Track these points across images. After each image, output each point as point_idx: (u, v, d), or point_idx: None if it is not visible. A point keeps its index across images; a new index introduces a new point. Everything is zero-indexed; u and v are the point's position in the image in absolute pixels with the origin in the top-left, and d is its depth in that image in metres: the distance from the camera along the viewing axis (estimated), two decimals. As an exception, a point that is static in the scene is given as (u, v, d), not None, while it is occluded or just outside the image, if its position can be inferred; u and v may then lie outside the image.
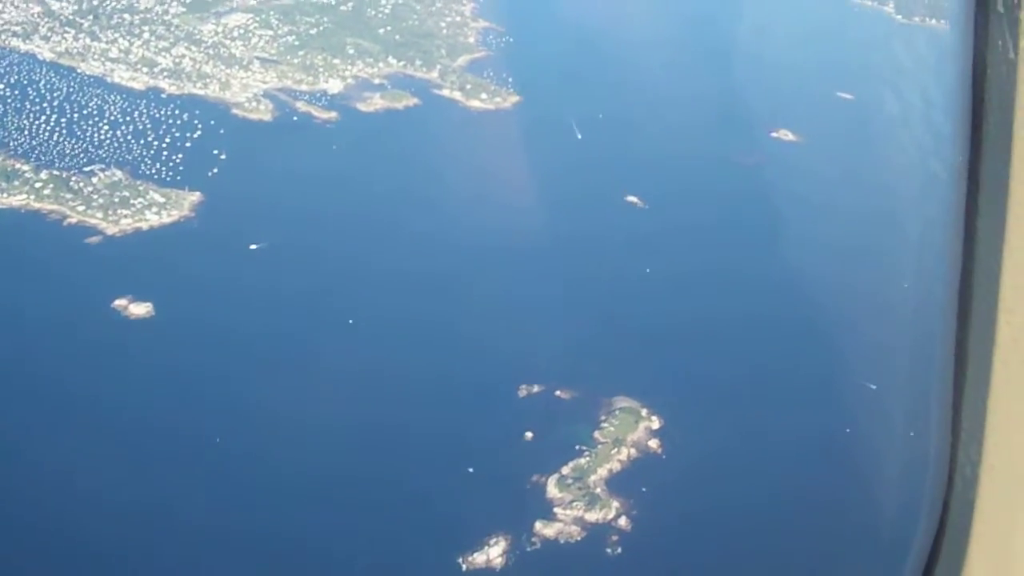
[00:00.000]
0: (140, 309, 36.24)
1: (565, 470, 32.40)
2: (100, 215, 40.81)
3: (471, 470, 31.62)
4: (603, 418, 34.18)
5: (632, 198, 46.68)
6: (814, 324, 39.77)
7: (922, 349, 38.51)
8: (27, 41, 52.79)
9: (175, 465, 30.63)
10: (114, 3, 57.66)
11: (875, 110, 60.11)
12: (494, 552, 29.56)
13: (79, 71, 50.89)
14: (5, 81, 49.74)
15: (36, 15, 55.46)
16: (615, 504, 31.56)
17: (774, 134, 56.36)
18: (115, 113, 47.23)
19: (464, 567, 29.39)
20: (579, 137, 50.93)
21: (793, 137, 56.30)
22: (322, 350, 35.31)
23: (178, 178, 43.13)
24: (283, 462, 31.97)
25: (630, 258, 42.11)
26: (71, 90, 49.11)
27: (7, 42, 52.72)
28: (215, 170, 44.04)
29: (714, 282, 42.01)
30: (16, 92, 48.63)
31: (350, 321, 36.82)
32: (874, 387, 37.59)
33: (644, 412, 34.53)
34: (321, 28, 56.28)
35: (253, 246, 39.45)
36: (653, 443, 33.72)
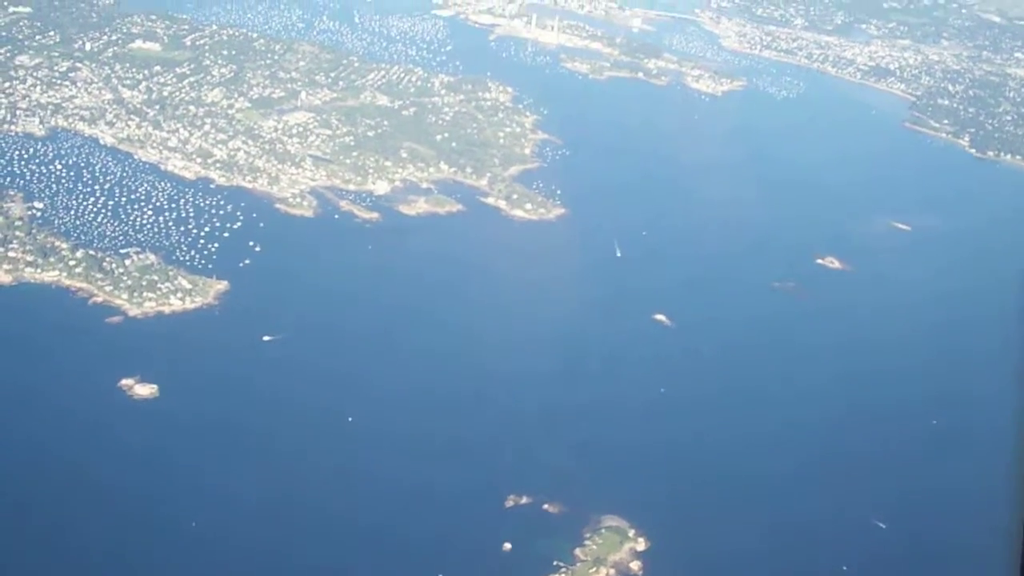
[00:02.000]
0: (145, 390, 36.75)
1: (536, 586, 31.83)
2: (125, 296, 41.70)
3: (440, 576, 31.25)
4: (588, 535, 33.59)
5: (660, 316, 46.41)
6: (827, 454, 38.91)
7: (934, 498, 37.40)
8: (92, 125, 54.74)
9: (134, 546, 30.76)
10: (183, 95, 59.64)
11: (930, 242, 59.37)
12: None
13: (136, 157, 52.56)
14: (64, 162, 51.50)
15: (106, 102, 57.51)
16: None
17: (820, 261, 55.79)
18: (162, 199, 48.52)
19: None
20: (619, 255, 50.92)
21: (839, 265, 55.66)
22: (313, 447, 35.39)
23: (209, 266, 44.01)
24: (258, 551, 31.89)
25: (647, 376, 41.74)
26: (124, 174, 50.67)
27: (74, 125, 54.72)
28: (247, 261, 44.86)
29: (728, 404, 41.44)
30: (71, 173, 50.32)
31: (349, 419, 36.89)
32: (883, 526, 36.43)
33: (632, 532, 33.89)
34: (379, 131, 57.48)
35: (267, 337, 39.92)
36: (635, 565, 32.98)
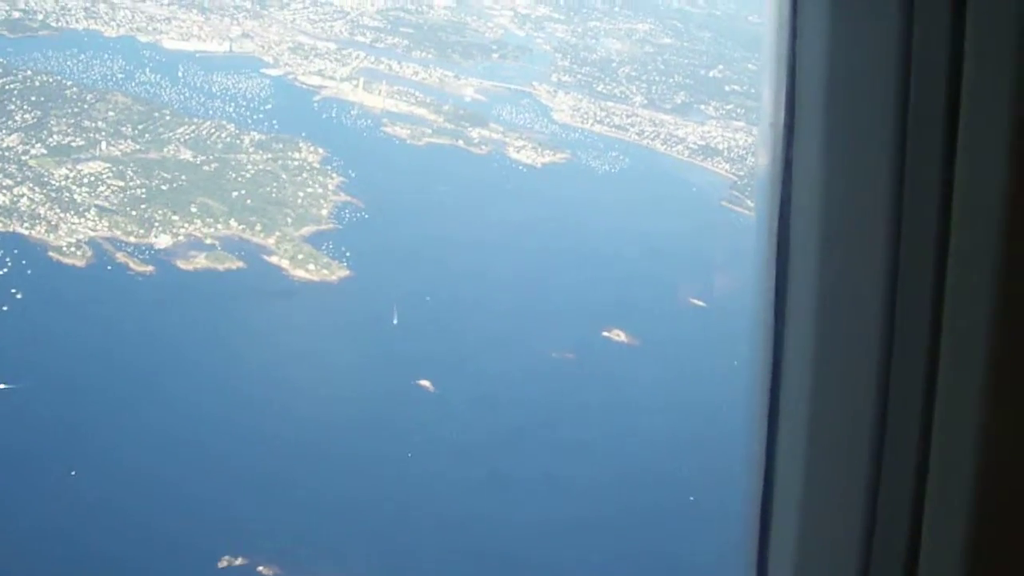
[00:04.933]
0: None
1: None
2: None
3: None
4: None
5: (424, 382, 46.63)
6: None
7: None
8: None
9: None
10: (-23, 140, 59.20)
11: (725, 317, 60.41)
12: None
13: (-88, 200, 51.85)
14: None
15: None
16: None
17: (606, 333, 56.49)
18: (-73, 244, 47.89)
19: None
20: (395, 322, 51.08)
21: (625, 338, 56.41)
22: (19, 500, 34.91)
23: (-37, 311, 43.45)
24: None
25: (393, 439, 41.82)
26: None
27: None
28: (4, 308, 44.29)
29: (476, 474, 41.62)
30: None
31: (72, 473, 36.52)
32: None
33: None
34: (175, 185, 57.19)
35: (1, 385, 39.46)
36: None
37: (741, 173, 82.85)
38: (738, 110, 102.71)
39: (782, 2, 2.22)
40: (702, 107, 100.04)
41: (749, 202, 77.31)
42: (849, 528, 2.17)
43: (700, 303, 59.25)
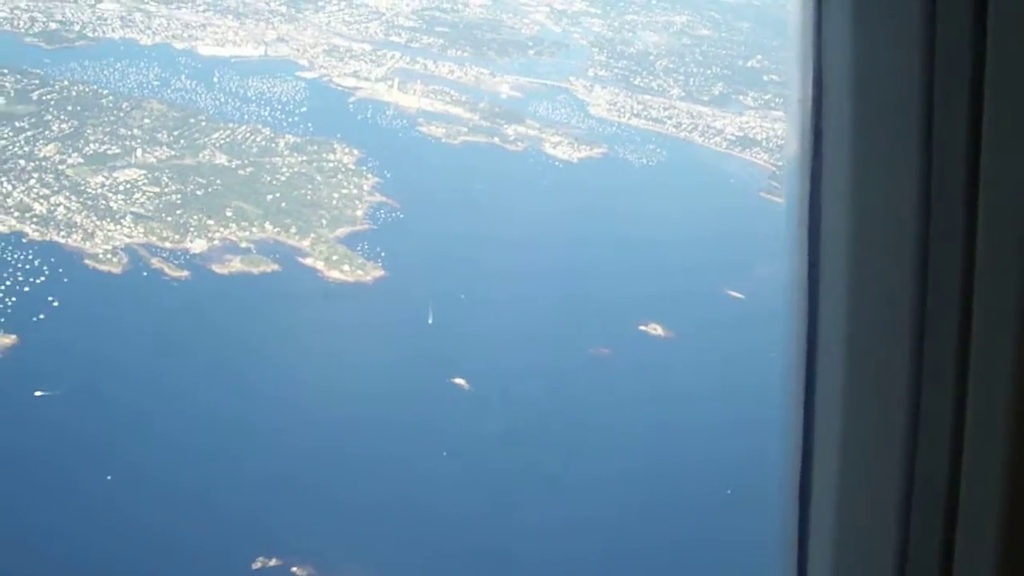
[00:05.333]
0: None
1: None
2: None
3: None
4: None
5: (459, 380, 46.53)
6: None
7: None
8: (-86, 177, 54.58)
9: None
10: (16, 149, 59.50)
11: (764, 309, 59.80)
12: None
13: (-49, 209, 52.47)
14: None
15: (-66, 154, 57.50)
16: None
17: (642, 327, 56.11)
18: (-35, 253, 48.43)
19: None
20: (430, 321, 51.03)
21: (662, 332, 55.98)
22: (61, 503, 35.19)
23: (1, 320, 43.81)
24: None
25: (427, 439, 41.77)
26: (-67, 228, 50.53)
27: None
28: (41, 316, 44.68)
29: (511, 472, 41.43)
30: None
31: (108, 477, 36.71)
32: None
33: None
34: (210, 189, 57.47)
35: (38, 392, 39.77)
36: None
37: (780, 163, 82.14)
38: (776, 99, 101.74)
39: (806, 3, 2.25)
40: (740, 97, 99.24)
41: (788, 192, 76.64)
42: (885, 521, 2.19)
43: (738, 295, 58.80)
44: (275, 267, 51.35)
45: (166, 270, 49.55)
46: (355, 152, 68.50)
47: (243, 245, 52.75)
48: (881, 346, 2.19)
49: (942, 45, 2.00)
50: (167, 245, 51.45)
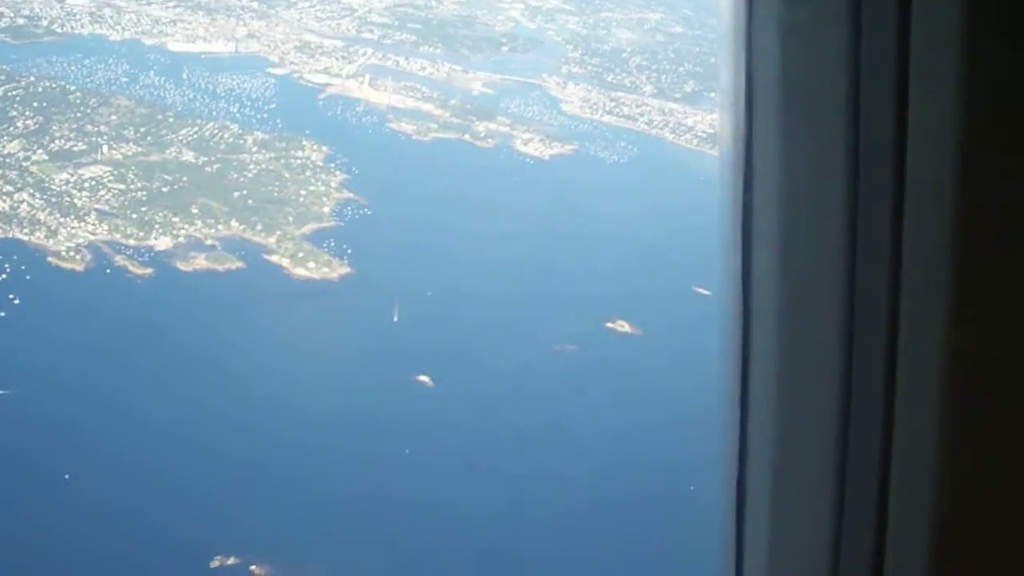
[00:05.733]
0: None
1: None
2: None
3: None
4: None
5: (423, 378, 46.41)
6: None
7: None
8: None
9: None
10: (-19, 148, 59.40)
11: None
12: None
13: (-88, 210, 52.08)
14: None
15: (-100, 152, 57.08)
16: None
17: (609, 324, 56.08)
18: (-73, 251, 48.10)
19: None
20: (395, 319, 50.83)
21: (629, 329, 55.97)
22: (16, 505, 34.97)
23: (-40, 319, 43.59)
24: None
25: (391, 435, 41.68)
26: None
27: None
28: (2, 313, 44.43)
29: (475, 468, 41.37)
30: None
31: (66, 476, 36.53)
32: None
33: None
34: (176, 186, 57.22)
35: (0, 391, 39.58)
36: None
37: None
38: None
39: (737, 8, 2.29)
40: (712, 95, 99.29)
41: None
42: (818, 518, 2.24)
43: (705, 292, 58.81)
44: (240, 264, 51.14)
45: (130, 267, 49.30)
46: (324, 149, 68.24)
47: (208, 242, 52.52)
48: (812, 344, 2.24)
49: (868, 49, 2.05)
50: (131, 242, 51.19)
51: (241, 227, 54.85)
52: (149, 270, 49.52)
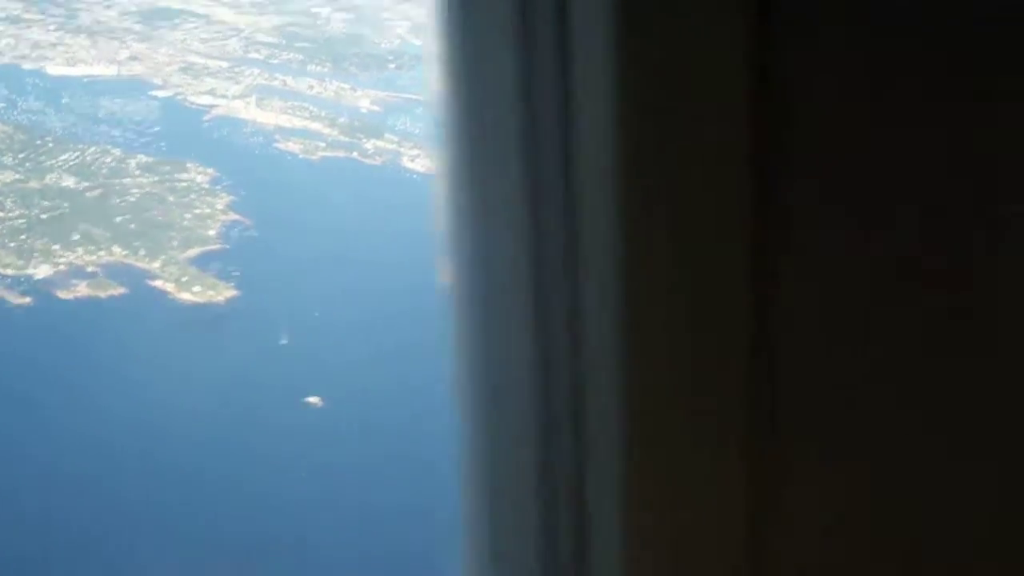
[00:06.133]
0: None
1: None
2: None
3: None
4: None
5: (313, 399, 46.16)
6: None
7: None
8: None
9: None
10: None
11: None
12: None
13: None
14: None
15: None
16: None
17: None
18: None
19: None
20: (283, 341, 50.39)
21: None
22: None
23: None
24: None
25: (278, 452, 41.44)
26: None
27: None
28: None
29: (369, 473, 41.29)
30: None
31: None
32: None
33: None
34: (56, 213, 56.40)
35: None
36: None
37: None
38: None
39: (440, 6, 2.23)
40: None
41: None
42: (526, 509, 2.27)
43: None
44: (122, 290, 50.48)
45: (8, 298, 48.43)
46: (209, 171, 67.56)
47: (90, 269, 51.77)
48: (504, 357, 2.28)
49: (536, 76, 2.08)
50: (9, 272, 50.30)
51: (124, 253, 54.11)
52: (27, 299, 48.71)
